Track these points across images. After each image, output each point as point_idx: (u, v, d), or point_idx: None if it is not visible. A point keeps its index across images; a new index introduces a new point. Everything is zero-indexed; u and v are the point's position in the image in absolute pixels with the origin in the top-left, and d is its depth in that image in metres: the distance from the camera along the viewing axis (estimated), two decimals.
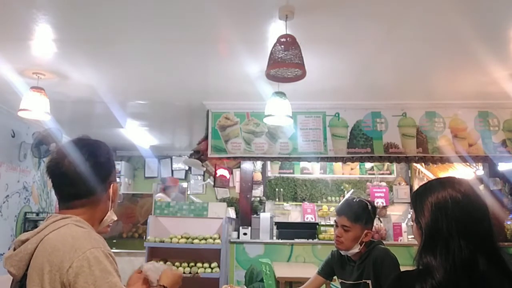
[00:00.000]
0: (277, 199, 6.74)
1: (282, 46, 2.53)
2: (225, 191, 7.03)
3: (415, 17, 2.69)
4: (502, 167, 5.27)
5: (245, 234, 5.31)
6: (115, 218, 1.42)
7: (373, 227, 2.30)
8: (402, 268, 1.78)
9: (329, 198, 6.81)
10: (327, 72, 3.61)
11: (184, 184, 7.62)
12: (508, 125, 4.45)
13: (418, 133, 4.46)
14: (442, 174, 6.06)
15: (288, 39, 2.55)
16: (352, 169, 6.95)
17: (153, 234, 4.60)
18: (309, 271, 3.18)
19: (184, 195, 7.34)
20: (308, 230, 5.49)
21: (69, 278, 1.13)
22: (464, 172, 5.94)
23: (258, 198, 6.21)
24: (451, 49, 3.18)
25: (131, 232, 6.10)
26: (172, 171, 7.69)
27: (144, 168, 7.81)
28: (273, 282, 3.85)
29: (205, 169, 6.24)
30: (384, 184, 6.49)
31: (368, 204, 2.26)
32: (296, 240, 5.27)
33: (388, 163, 6.44)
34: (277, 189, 6.78)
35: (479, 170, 5.81)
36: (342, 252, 2.28)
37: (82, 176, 1.30)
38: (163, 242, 4.48)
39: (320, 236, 5.39)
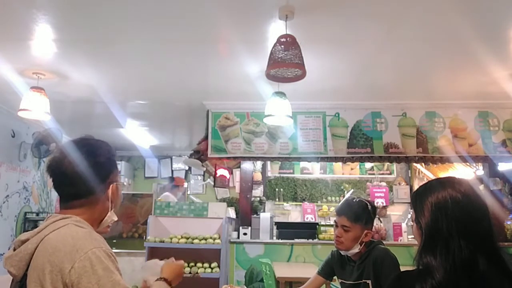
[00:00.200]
0: (277, 199, 6.74)
1: (282, 46, 2.53)
2: (225, 191, 7.03)
3: (415, 17, 2.69)
4: (502, 167, 5.27)
5: (245, 234, 5.31)
6: (115, 219, 1.41)
7: (373, 227, 2.30)
8: (402, 268, 1.78)
9: (329, 198, 6.81)
10: (327, 72, 3.61)
11: (184, 184, 7.62)
12: (508, 125, 4.45)
13: (418, 133, 4.46)
14: (442, 174, 6.06)
15: (288, 39, 2.55)
16: (352, 169, 6.95)
17: (153, 234, 4.60)
18: (309, 271, 3.18)
19: (184, 195, 7.34)
20: (308, 230, 5.49)
21: (72, 278, 1.14)
22: (464, 172, 5.94)
23: (258, 198, 6.21)
24: (451, 49, 3.18)
25: (131, 232, 6.10)
26: (172, 171, 7.69)
27: (144, 168, 7.81)
28: (273, 282, 3.85)
29: (205, 169, 6.24)
30: (384, 184, 6.49)
31: (368, 204, 2.26)
32: (296, 240, 5.28)
33: (388, 163, 6.44)
34: (277, 189, 6.79)
35: (479, 170, 5.81)
36: (342, 252, 2.28)
37: (81, 176, 1.30)
38: (163, 242, 4.48)
39: (320, 236, 5.39)
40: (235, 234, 5.35)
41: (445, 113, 4.50)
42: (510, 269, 1.17)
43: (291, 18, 2.57)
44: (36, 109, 3.66)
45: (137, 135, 6.13)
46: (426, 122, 4.49)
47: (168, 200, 5.59)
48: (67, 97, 4.32)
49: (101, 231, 1.37)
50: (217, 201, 6.81)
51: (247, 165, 6.04)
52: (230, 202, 6.49)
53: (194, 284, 4.15)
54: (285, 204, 6.74)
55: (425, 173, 6.59)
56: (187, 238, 4.48)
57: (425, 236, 1.23)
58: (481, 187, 5.41)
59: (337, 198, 6.75)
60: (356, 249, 2.20)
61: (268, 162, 6.56)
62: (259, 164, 6.50)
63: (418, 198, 1.30)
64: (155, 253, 4.54)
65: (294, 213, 6.74)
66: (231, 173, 6.50)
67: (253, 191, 6.17)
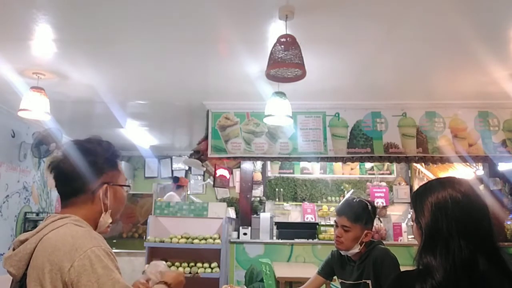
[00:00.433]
0: (277, 199, 6.74)
1: (282, 46, 2.53)
2: (225, 191, 7.03)
3: (415, 17, 2.69)
4: (502, 167, 5.27)
5: (245, 234, 5.31)
6: (109, 221, 1.38)
7: (373, 227, 2.30)
8: (402, 268, 1.78)
9: (329, 198, 6.81)
10: (327, 72, 3.61)
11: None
12: (508, 125, 4.45)
13: (418, 133, 4.46)
14: (442, 174, 6.06)
15: (288, 39, 2.55)
16: (352, 169, 6.95)
17: (153, 234, 4.60)
18: (309, 271, 3.18)
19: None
20: (308, 230, 5.49)
21: (71, 277, 1.14)
22: (464, 172, 5.94)
23: (258, 198, 6.21)
24: (451, 49, 3.18)
25: (131, 232, 6.10)
26: (172, 171, 7.69)
27: (144, 168, 7.81)
28: (273, 282, 3.85)
29: (205, 169, 6.24)
30: (384, 184, 6.49)
31: (368, 204, 2.26)
32: (296, 240, 5.27)
33: (388, 163, 6.44)
34: (277, 189, 6.79)
35: (479, 170, 5.81)
36: (342, 252, 2.28)
37: (74, 173, 1.33)
38: (163, 242, 4.48)
39: (320, 236, 5.39)
40: (235, 234, 5.35)
41: (445, 113, 4.50)
42: (510, 269, 1.17)
43: (291, 18, 2.57)
44: (36, 109, 3.66)
45: (137, 135, 6.13)
46: (426, 122, 4.49)
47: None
48: (67, 97, 4.32)
49: (101, 231, 1.37)
50: (217, 201, 6.82)
51: (247, 165, 6.04)
52: (230, 202, 6.49)
53: (194, 284, 4.15)
54: (285, 204, 6.74)
55: (425, 173, 6.59)
56: (187, 238, 4.48)
57: (425, 236, 1.23)
58: (481, 187, 5.41)
59: (337, 198, 6.75)
60: (356, 249, 2.20)
61: (268, 162, 6.56)
62: (259, 164, 6.50)
63: (418, 198, 1.30)
64: (155, 253, 4.54)
65: (294, 213, 6.73)
66: (231, 173, 6.50)
67: (253, 191, 6.17)
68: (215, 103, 4.50)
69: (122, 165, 7.29)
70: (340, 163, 6.51)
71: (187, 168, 7.63)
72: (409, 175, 6.72)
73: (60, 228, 1.24)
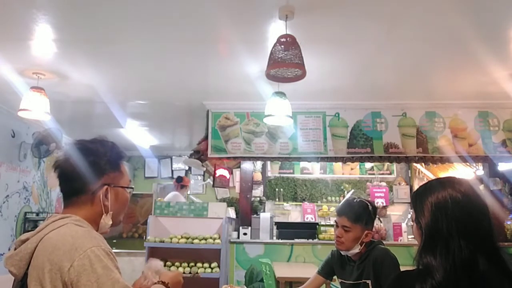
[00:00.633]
0: (277, 199, 6.74)
1: (282, 46, 2.53)
2: (225, 191, 7.03)
3: (415, 17, 2.69)
4: (502, 167, 5.27)
5: (245, 234, 5.31)
6: (110, 223, 1.38)
7: (373, 227, 2.30)
8: (402, 268, 1.78)
9: (329, 198, 6.81)
10: (327, 72, 3.61)
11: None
12: (508, 125, 4.45)
13: (418, 133, 4.46)
14: (442, 174, 6.06)
15: (288, 39, 2.55)
16: (352, 169, 6.95)
17: (153, 234, 4.60)
18: (309, 271, 3.18)
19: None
20: (308, 230, 5.49)
21: (71, 277, 1.14)
22: (464, 172, 5.94)
23: (258, 198, 6.21)
24: (451, 49, 3.18)
25: (131, 232, 6.11)
26: (172, 171, 7.69)
27: (144, 168, 7.81)
28: (273, 282, 3.85)
29: (205, 169, 6.24)
30: (384, 184, 6.49)
31: (369, 204, 2.27)
32: (296, 240, 5.28)
33: (388, 163, 6.44)
34: (277, 189, 6.79)
35: (479, 170, 5.81)
36: (342, 252, 2.28)
37: (75, 172, 1.33)
38: (163, 242, 4.48)
39: (320, 236, 5.39)
40: (235, 234, 5.35)
41: (445, 113, 4.50)
42: (510, 269, 1.17)
43: (291, 18, 2.57)
44: (36, 109, 3.66)
45: (137, 135, 6.13)
46: (426, 122, 4.49)
47: (180, 199, 5.57)
48: (67, 97, 4.32)
49: (102, 232, 1.37)
50: (217, 201, 6.82)
51: (247, 165, 6.04)
52: (230, 202, 6.49)
53: (194, 284, 4.15)
54: (285, 204, 6.74)
55: (425, 173, 6.59)
56: (187, 238, 4.48)
57: (425, 236, 1.23)
58: (481, 187, 5.41)
59: (337, 198, 6.75)
60: (356, 249, 2.20)
61: (268, 162, 6.56)
62: (259, 164, 6.50)
63: (418, 198, 1.30)
64: (155, 253, 4.54)
65: (294, 213, 6.74)
66: (231, 173, 6.50)
67: (253, 191, 6.17)
68: (215, 103, 4.50)
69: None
70: (340, 163, 6.51)
71: (187, 168, 7.63)
72: (409, 175, 6.72)
73: (60, 228, 1.24)
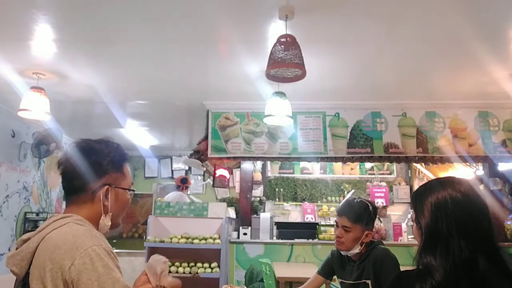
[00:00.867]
0: (277, 199, 6.74)
1: (282, 46, 2.53)
2: (225, 191, 7.03)
3: (415, 17, 2.69)
4: (502, 167, 5.28)
5: (245, 234, 5.31)
6: (109, 224, 1.37)
7: (373, 227, 2.30)
8: (402, 268, 1.78)
9: (329, 198, 6.81)
10: (327, 72, 3.61)
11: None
12: (508, 125, 4.45)
13: (418, 133, 4.46)
14: (442, 174, 6.06)
15: (288, 39, 2.55)
16: (352, 169, 6.95)
17: (153, 234, 4.60)
18: (309, 271, 3.18)
19: None
20: (308, 230, 5.49)
21: (72, 275, 1.14)
22: (464, 172, 5.94)
23: (258, 198, 6.21)
24: (451, 49, 3.18)
25: (131, 232, 6.11)
26: (172, 171, 7.69)
27: (144, 168, 7.81)
28: (273, 282, 3.86)
29: (205, 169, 6.24)
30: (384, 184, 6.49)
31: (369, 204, 2.26)
32: (296, 240, 5.28)
33: (388, 163, 6.44)
34: (277, 189, 6.79)
35: (479, 170, 5.81)
36: (343, 252, 2.28)
37: (76, 171, 1.33)
38: (163, 242, 4.48)
39: (320, 236, 5.39)
40: (235, 234, 5.35)
41: (445, 113, 4.50)
42: (510, 269, 1.17)
43: (291, 18, 2.57)
44: (36, 109, 3.66)
45: (137, 135, 6.13)
46: (426, 122, 4.49)
47: (185, 200, 5.57)
48: (67, 97, 4.32)
49: (101, 233, 1.37)
50: (217, 201, 6.82)
51: (247, 165, 6.05)
52: (230, 202, 6.50)
53: (194, 284, 4.15)
54: (285, 204, 6.74)
55: (425, 173, 6.59)
56: (187, 238, 4.48)
57: (425, 236, 1.23)
58: (481, 187, 5.41)
59: (337, 198, 6.75)
60: (356, 250, 2.20)
61: (268, 162, 6.56)
62: (259, 164, 6.50)
63: (418, 198, 1.30)
64: (155, 253, 4.53)
65: (294, 213, 6.74)
66: (231, 173, 6.50)
67: (253, 191, 6.17)
68: (215, 103, 4.50)
69: None
70: (340, 163, 6.51)
71: (187, 168, 7.63)
72: (409, 175, 6.72)
73: (62, 227, 1.25)
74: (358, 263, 2.22)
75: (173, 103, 4.64)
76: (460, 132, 4.46)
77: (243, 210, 5.82)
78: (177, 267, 4.36)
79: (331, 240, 4.93)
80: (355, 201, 2.31)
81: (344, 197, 6.48)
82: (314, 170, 6.93)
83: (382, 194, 6.05)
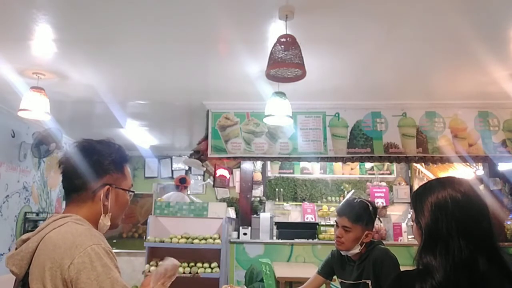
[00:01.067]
0: (277, 199, 6.74)
1: (282, 46, 2.53)
2: (225, 191, 7.03)
3: (415, 17, 2.69)
4: (502, 167, 5.28)
5: (245, 234, 5.31)
6: (108, 224, 1.38)
7: (373, 227, 2.30)
8: (402, 268, 1.78)
9: (329, 198, 6.82)
10: (327, 72, 3.61)
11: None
12: (508, 125, 4.45)
13: (418, 133, 4.46)
14: (442, 174, 6.06)
15: (288, 39, 2.55)
16: (352, 169, 6.95)
17: (153, 234, 4.60)
18: (309, 271, 3.18)
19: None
20: (308, 230, 5.49)
21: (71, 274, 1.14)
22: (464, 172, 5.94)
23: (258, 198, 6.22)
24: (451, 49, 3.18)
25: (131, 232, 6.11)
26: (172, 171, 7.69)
27: (144, 168, 7.81)
28: (273, 282, 3.86)
29: (205, 169, 6.24)
30: (384, 184, 6.49)
31: (369, 204, 2.26)
32: (296, 240, 5.28)
33: (388, 163, 6.44)
34: (277, 189, 6.79)
35: (479, 170, 5.81)
36: (343, 252, 2.29)
37: (76, 170, 1.34)
38: (163, 242, 4.48)
39: (320, 236, 5.39)
40: (235, 234, 5.35)
41: (445, 113, 4.50)
42: (510, 269, 1.17)
43: (291, 18, 2.57)
44: (36, 109, 3.66)
45: (137, 135, 6.13)
46: (426, 122, 4.49)
47: (184, 200, 5.56)
48: (67, 97, 4.32)
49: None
50: (217, 201, 6.82)
51: (247, 165, 6.05)
52: (230, 202, 6.50)
53: (194, 284, 4.16)
54: (285, 204, 6.74)
55: (425, 173, 6.59)
56: (187, 238, 4.48)
57: (425, 236, 1.23)
58: (481, 187, 5.41)
59: (337, 198, 6.75)
60: (356, 250, 2.20)
61: (268, 162, 6.57)
62: (259, 164, 6.50)
63: (418, 198, 1.30)
64: (155, 253, 4.54)
65: (294, 213, 6.74)
66: (231, 173, 6.50)
67: (253, 191, 6.17)
68: (215, 103, 4.50)
69: None
70: (340, 163, 6.52)
71: (187, 168, 7.63)
72: (409, 175, 6.72)
73: (61, 227, 1.25)
74: (358, 263, 2.22)
75: (173, 103, 4.64)
76: (460, 132, 4.46)
77: (243, 210, 5.82)
78: None
79: (331, 240, 4.93)
80: (355, 201, 2.30)
81: (344, 197, 6.49)
82: (314, 170, 6.93)
83: (382, 194, 6.05)
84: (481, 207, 1.23)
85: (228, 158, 4.58)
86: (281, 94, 3.62)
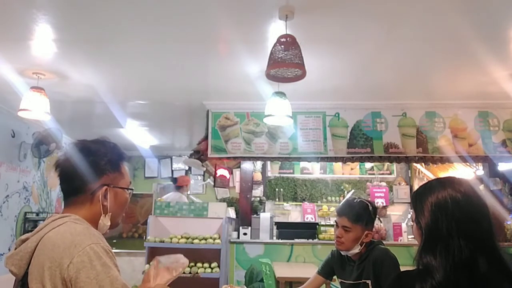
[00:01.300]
0: (277, 199, 6.74)
1: (282, 46, 2.53)
2: (225, 191, 7.03)
3: (415, 17, 2.69)
4: (502, 167, 5.27)
5: (245, 234, 5.31)
6: (108, 224, 1.37)
7: (373, 227, 2.30)
8: (402, 268, 1.78)
9: (329, 198, 6.81)
10: (327, 72, 3.61)
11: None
12: (508, 125, 4.45)
13: (418, 133, 4.46)
14: (442, 174, 6.06)
15: (288, 39, 2.55)
16: (352, 169, 6.95)
17: (153, 234, 4.60)
18: (309, 271, 3.18)
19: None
20: (308, 230, 5.49)
21: (70, 273, 1.14)
22: (464, 172, 5.94)
23: (258, 198, 6.21)
24: (451, 49, 3.18)
25: (131, 232, 6.11)
26: (172, 171, 7.69)
27: (144, 168, 7.81)
28: (273, 282, 3.86)
29: (205, 169, 6.24)
30: (384, 184, 6.49)
31: (369, 204, 2.26)
32: (296, 240, 5.28)
33: (388, 163, 6.44)
34: (277, 189, 6.79)
35: (479, 170, 5.81)
36: (342, 252, 2.29)
37: (74, 172, 1.33)
38: (163, 242, 4.48)
39: (320, 236, 5.39)
40: (235, 234, 5.35)
41: (445, 113, 4.50)
42: (510, 269, 1.17)
43: (291, 18, 2.57)
44: (36, 109, 3.66)
45: (137, 135, 6.13)
46: (426, 122, 4.49)
47: (184, 200, 5.56)
48: (67, 97, 4.32)
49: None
50: (217, 201, 6.82)
51: (247, 165, 6.04)
52: (230, 202, 6.49)
53: (194, 284, 4.16)
54: (285, 204, 6.74)
55: (425, 173, 6.59)
56: (187, 238, 4.48)
57: (425, 236, 1.23)
58: (481, 187, 5.41)
59: (337, 198, 6.75)
60: (356, 250, 2.20)
61: (268, 162, 6.56)
62: (259, 164, 6.50)
63: (418, 198, 1.30)
64: (155, 253, 4.54)
65: (294, 213, 6.74)
66: (231, 173, 6.50)
67: (253, 191, 6.17)
68: (215, 103, 4.50)
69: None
70: (340, 163, 6.51)
71: (187, 168, 7.63)
72: (409, 175, 6.72)
73: (60, 227, 1.25)
74: (358, 263, 2.22)
75: (173, 103, 4.64)
76: (460, 132, 4.46)
77: (243, 210, 5.82)
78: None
79: (331, 240, 4.93)
80: (355, 201, 2.30)
81: (344, 197, 6.48)
82: (314, 170, 6.93)
83: (382, 194, 6.05)
84: (481, 207, 1.23)
85: (228, 158, 4.58)
86: (281, 94, 3.62)
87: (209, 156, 4.47)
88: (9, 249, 4.81)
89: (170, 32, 2.93)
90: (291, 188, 6.85)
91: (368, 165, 6.82)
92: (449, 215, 1.20)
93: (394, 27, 2.81)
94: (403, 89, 4.12)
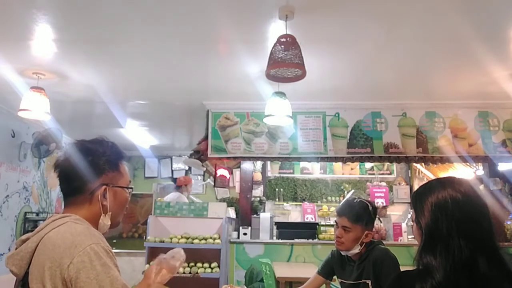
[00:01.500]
0: (277, 199, 6.74)
1: (282, 46, 2.53)
2: (225, 191, 7.03)
3: (415, 17, 2.69)
4: (502, 167, 5.27)
5: (245, 234, 5.31)
6: (108, 224, 1.37)
7: (373, 227, 2.30)
8: (402, 268, 1.78)
9: (329, 198, 6.81)
10: (327, 72, 3.61)
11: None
12: (508, 125, 4.45)
13: (418, 133, 4.46)
14: (442, 174, 6.06)
15: (288, 39, 2.55)
16: (352, 169, 6.95)
17: (153, 234, 4.60)
18: (309, 271, 3.18)
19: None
20: (308, 230, 5.49)
21: (70, 273, 1.14)
22: (464, 172, 5.94)
23: (258, 198, 6.21)
24: (451, 49, 3.18)
25: (131, 232, 6.12)
26: (172, 171, 7.69)
27: (144, 168, 7.81)
28: (273, 282, 3.86)
29: (205, 169, 6.24)
30: (384, 184, 6.49)
31: (369, 204, 2.26)
32: (296, 240, 5.28)
33: (388, 163, 6.44)
34: (277, 189, 6.79)
35: (479, 170, 5.81)
36: (342, 253, 2.29)
37: (73, 173, 1.33)
38: (163, 242, 4.48)
39: (320, 236, 5.39)
40: (235, 234, 5.35)
41: (445, 113, 4.50)
42: (510, 269, 1.17)
43: (291, 18, 2.57)
44: (36, 109, 3.66)
45: (137, 135, 6.13)
46: (426, 122, 4.49)
47: (184, 201, 5.56)
48: (67, 97, 4.32)
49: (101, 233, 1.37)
50: (217, 201, 6.82)
51: (247, 165, 6.04)
52: (230, 202, 6.50)
53: (194, 284, 4.16)
54: (285, 204, 6.74)
55: (425, 173, 6.59)
56: (187, 238, 4.48)
57: (425, 236, 1.23)
58: (481, 187, 5.41)
59: (337, 198, 6.75)
60: (356, 250, 2.20)
61: (268, 162, 6.56)
62: (259, 164, 6.50)
63: (418, 198, 1.30)
64: (155, 253, 4.53)
65: (294, 213, 6.74)
66: (231, 173, 6.50)
67: (253, 191, 6.17)
68: (215, 103, 4.50)
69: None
70: (340, 163, 6.51)
71: (187, 168, 7.63)
72: (409, 175, 6.72)
73: (60, 227, 1.25)
74: (358, 263, 2.22)
75: (173, 103, 4.64)
76: (460, 132, 4.46)
77: (243, 210, 5.82)
78: None
79: (331, 240, 4.93)
80: (355, 201, 2.30)
81: (344, 197, 6.48)
82: (314, 170, 6.93)
83: (382, 194, 6.05)
84: (481, 207, 1.23)
85: (228, 158, 4.58)
86: (281, 94, 3.62)
87: (209, 156, 4.47)
88: (9, 249, 4.81)
89: (170, 32, 2.93)
90: (291, 188, 6.85)
91: (368, 165, 6.82)
92: (449, 215, 1.20)
93: (394, 27, 2.81)
94: (403, 89, 4.12)
